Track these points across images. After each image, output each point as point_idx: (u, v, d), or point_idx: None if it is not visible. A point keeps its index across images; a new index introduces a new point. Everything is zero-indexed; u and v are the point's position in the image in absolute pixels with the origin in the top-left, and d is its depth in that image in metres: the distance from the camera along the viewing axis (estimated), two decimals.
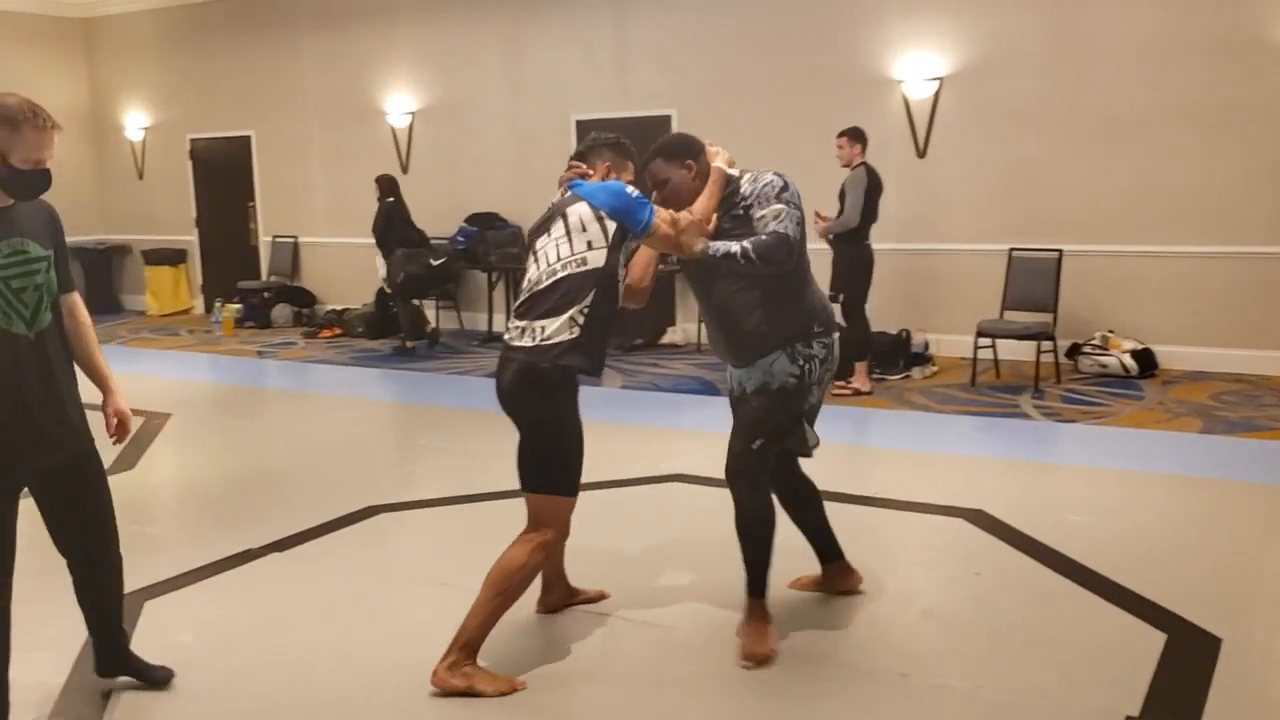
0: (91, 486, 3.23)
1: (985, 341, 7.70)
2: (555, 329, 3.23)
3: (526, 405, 3.30)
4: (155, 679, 3.41)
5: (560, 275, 3.27)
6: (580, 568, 4.28)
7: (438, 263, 9.76)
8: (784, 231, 3.49)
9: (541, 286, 3.30)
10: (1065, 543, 4.43)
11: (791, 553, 3.97)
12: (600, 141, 3.66)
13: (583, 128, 10.09)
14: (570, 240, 3.30)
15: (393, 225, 9.59)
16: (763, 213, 3.53)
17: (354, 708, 3.26)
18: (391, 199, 9.66)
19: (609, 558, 4.43)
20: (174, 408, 7.51)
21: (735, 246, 3.42)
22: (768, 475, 3.67)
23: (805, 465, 4.00)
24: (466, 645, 3.28)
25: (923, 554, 4.55)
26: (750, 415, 3.59)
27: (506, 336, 3.35)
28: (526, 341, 3.25)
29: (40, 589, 4.22)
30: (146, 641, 3.72)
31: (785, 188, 3.62)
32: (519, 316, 3.32)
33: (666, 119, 9.65)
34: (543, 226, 3.42)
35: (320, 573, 4.36)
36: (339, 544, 4.69)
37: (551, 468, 3.33)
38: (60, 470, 3.10)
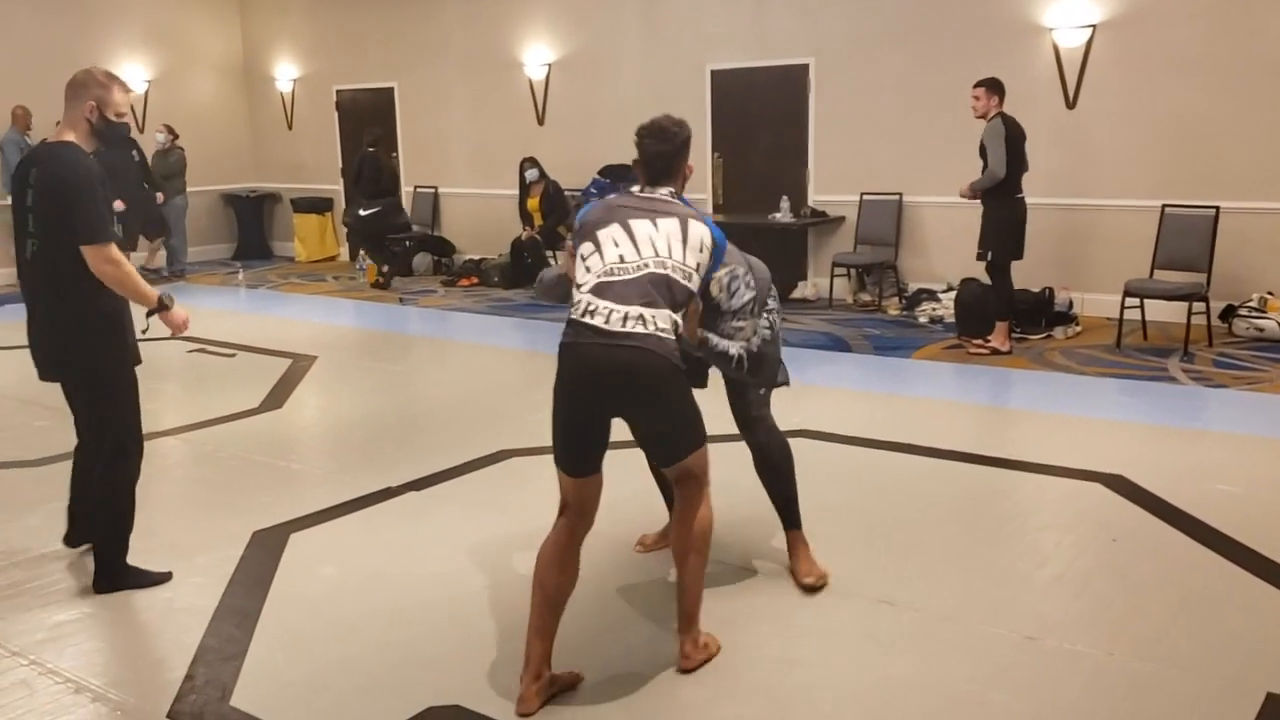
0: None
1: (1133, 301, 7.39)
2: (666, 324, 3.00)
3: (658, 392, 3.05)
4: (160, 579, 3.88)
5: (667, 274, 3.04)
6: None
7: (366, 213, 10.78)
8: (771, 354, 3.69)
9: (645, 273, 3.02)
10: (1209, 512, 4.26)
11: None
12: (683, 140, 3.36)
13: (718, 77, 10.01)
14: (685, 249, 3.08)
15: (361, 173, 10.72)
16: (740, 324, 3.48)
17: (489, 639, 3.38)
18: (372, 149, 10.72)
19: (731, 513, 4.45)
20: (320, 350, 7.83)
21: (733, 349, 3.43)
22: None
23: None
24: (695, 616, 3.22)
25: (1057, 518, 4.44)
26: None
27: (597, 320, 2.97)
28: (635, 328, 2.95)
29: (189, 522, 4.51)
30: (292, 571, 3.94)
31: (747, 284, 3.53)
32: (614, 299, 2.98)
33: (804, 68, 9.49)
34: (643, 211, 3.14)
35: (455, 512, 4.51)
36: (473, 485, 4.84)
37: (693, 429, 3.21)
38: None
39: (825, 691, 3.06)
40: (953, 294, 8.16)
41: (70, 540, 4.13)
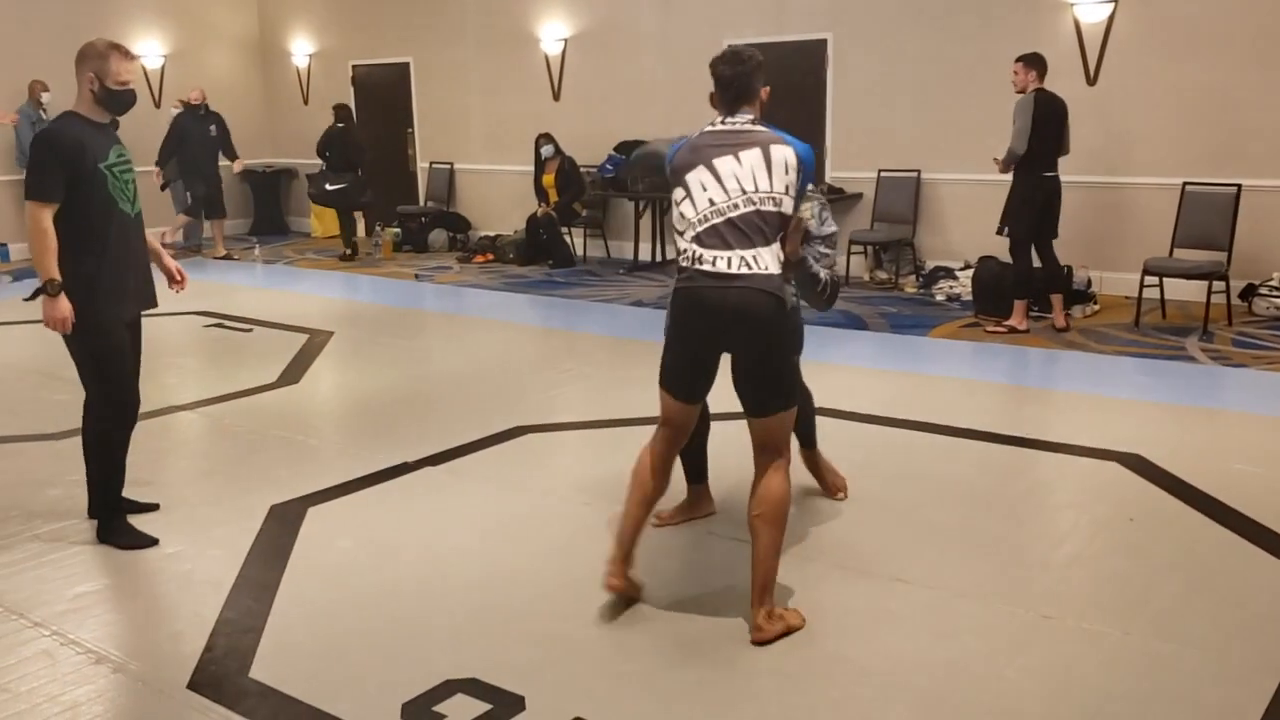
0: (138, 341, 4.08)
1: (1152, 280, 7.34)
2: (769, 261, 3.16)
3: (766, 331, 3.18)
4: (147, 508, 4.24)
5: (760, 208, 3.15)
6: (716, 493, 4.33)
7: (333, 188, 11.11)
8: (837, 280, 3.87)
9: (739, 213, 3.15)
10: (1228, 492, 4.24)
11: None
12: (757, 62, 3.40)
13: None
14: (771, 177, 3.17)
15: (331, 146, 11.07)
16: (827, 251, 3.83)
17: (506, 613, 3.39)
18: (341, 125, 11.09)
19: (735, 490, 4.45)
20: (336, 326, 7.85)
21: (822, 274, 3.74)
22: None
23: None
24: (769, 587, 3.25)
25: (1074, 497, 4.42)
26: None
27: (707, 265, 3.15)
28: (743, 270, 3.13)
29: (208, 496, 4.53)
30: (309, 545, 3.96)
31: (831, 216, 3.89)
32: (719, 246, 3.15)
33: (822, 43, 9.42)
34: (725, 147, 3.21)
35: (471, 487, 4.53)
36: (489, 461, 4.85)
37: (790, 385, 3.32)
38: (135, 322, 4.04)
39: (838, 669, 3.06)
40: (970, 272, 8.12)
41: (92, 511, 4.18)
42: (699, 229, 3.19)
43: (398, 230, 11.72)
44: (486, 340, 7.55)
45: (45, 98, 10.91)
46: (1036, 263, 7.24)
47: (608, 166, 10.30)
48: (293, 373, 6.46)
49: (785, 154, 3.20)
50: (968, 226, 8.72)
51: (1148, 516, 4.11)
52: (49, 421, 5.39)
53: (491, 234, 11.35)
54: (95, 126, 3.87)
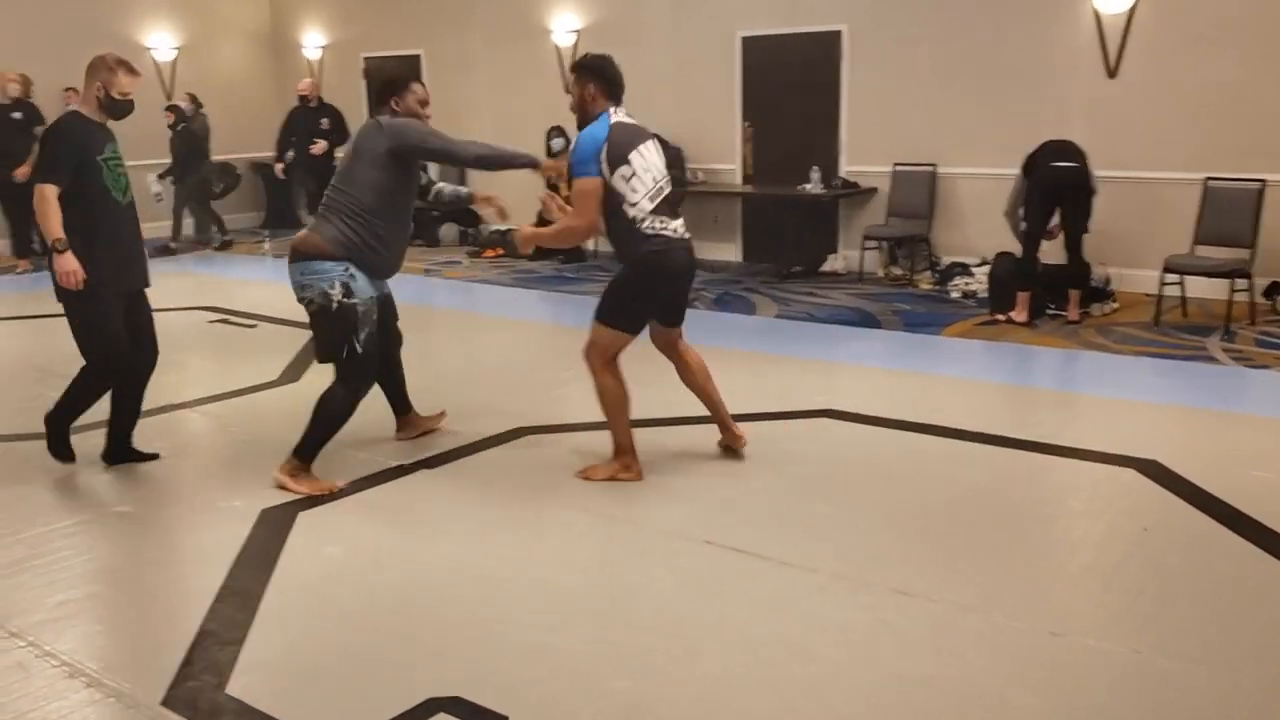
0: (145, 306, 4.72)
1: (1173, 278, 7.17)
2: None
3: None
4: (150, 457, 4.83)
5: (666, 187, 4.27)
6: (715, 499, 4.23)
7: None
8: None
9: (665, 191, 4.24)
10: (1247, 501, 4.09)
11: None
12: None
13: (748, 44, 9.80)
14: (662, 160, 4.30)
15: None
16: None
17: (493, 627, 3.29)
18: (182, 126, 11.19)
19: (749, 493, 4.34)
20: None
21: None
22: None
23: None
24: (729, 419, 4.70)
25: (1087, 505, 4.28)
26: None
27: (674, 230, 4.24)
28: (685, 233, 4.32)
29: (198, 498, 4.44)
30: (298, 552, 3.87)
31: None
32: (671, 215, 4.25)
33: (836, 35, 9.27)
34: (638, 137, 4.19)
35: (465, 492, 4.43)
36: (486, 464, 4.75)
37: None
38: (136, 293, 4.63)
39: (834, 685, 2.95)
40: (987, 268, 7.97)
41: (105, 456, 4.77)
42: (653, 202, 4.15)
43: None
44: (492, 338, 7.46)
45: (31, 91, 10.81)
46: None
47: None
48: (294, 370, 6.37)
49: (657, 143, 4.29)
50: (984, 222, 8.55)
51: (1163, 526, 3.97)
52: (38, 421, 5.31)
53: (503, 228, 11.22)
54: (95, 125, 4.48)
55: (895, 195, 9.09)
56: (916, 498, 4.27)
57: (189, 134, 11.22)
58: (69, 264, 4.31)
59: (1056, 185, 7.08)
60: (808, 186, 9.13)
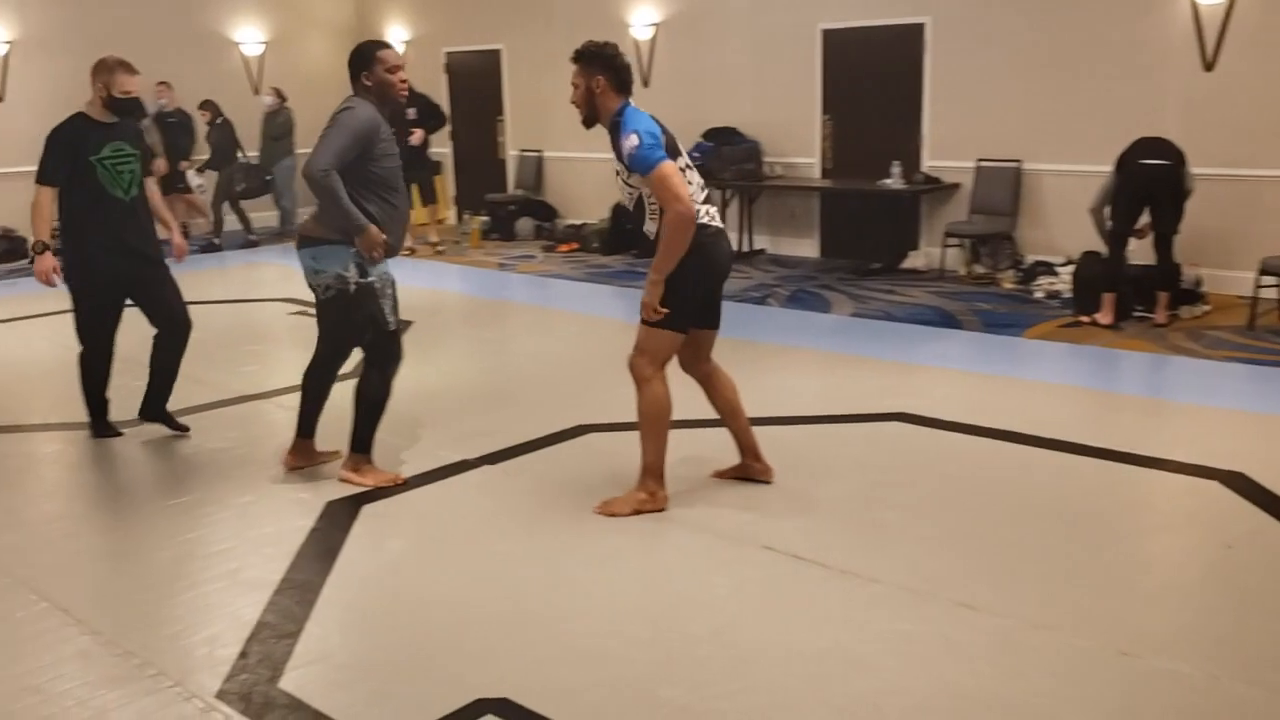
0: (165, 284, 4.99)
1: (1269, 280, 6.86)
2: None
3: None
4: (178, 428, 5.17)
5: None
6: (775, 503, 4.15)
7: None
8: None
9: (699, 180, 4.03)
10: None
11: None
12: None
13: (829, 37, 9.65)
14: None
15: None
16: None
17: (545, 628, 3.27)
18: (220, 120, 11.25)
19: (812, 498, 4.25)
20: (417, 315, 7.80)
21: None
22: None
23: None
24: (754, 448, 4.37)
25: (1167, 519, 4.11)
26: None
27: (719, 223, 4.06)
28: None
29: (265, 489, 4.50)
30: (360, 544, 3.90)
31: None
32: (711, 204, 4.06)
33: (919, 28, 9.06)
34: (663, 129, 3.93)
35: (526, 489, 4.41)
36: (547, 461, 4.74)
37: None
38: (147, 276, 4.93)
39: (891, 700, 2.86)
40: (1072, 268, 7.72)
41: (140, 412, 5.18)
42: (701, 190, 3.97)
43: (486, 219, 11.72)
44: (562, 333, 7.46)
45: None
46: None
47: (695, 154, 10.07)
48: None
49: None
50: (1071, 220, 8.29)
51: (1247, 543, 3.78)
52: (120, 409, 5.44)
53: (577, 222, 11.26)
54: (95, 125, 4.75)
55: (978, 191, 8.86)
56: (988, 507, 4.14)
57: (223, 130, 11.41)
58: (45, 264, 4.70)
59: (1145, 184, 6.83)
60: (888, 181, 8.96)
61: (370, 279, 4.24)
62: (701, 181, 4.03)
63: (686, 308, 3.95)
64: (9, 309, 8.17)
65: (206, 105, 11.38)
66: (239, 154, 11.41)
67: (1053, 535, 3.89)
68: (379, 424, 4.45)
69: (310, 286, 4.34)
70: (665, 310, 3.87)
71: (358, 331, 4.34)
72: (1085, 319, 7.07)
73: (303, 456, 4.64)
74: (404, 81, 4.30)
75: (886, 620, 3.29)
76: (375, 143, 4.16)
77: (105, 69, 4.75)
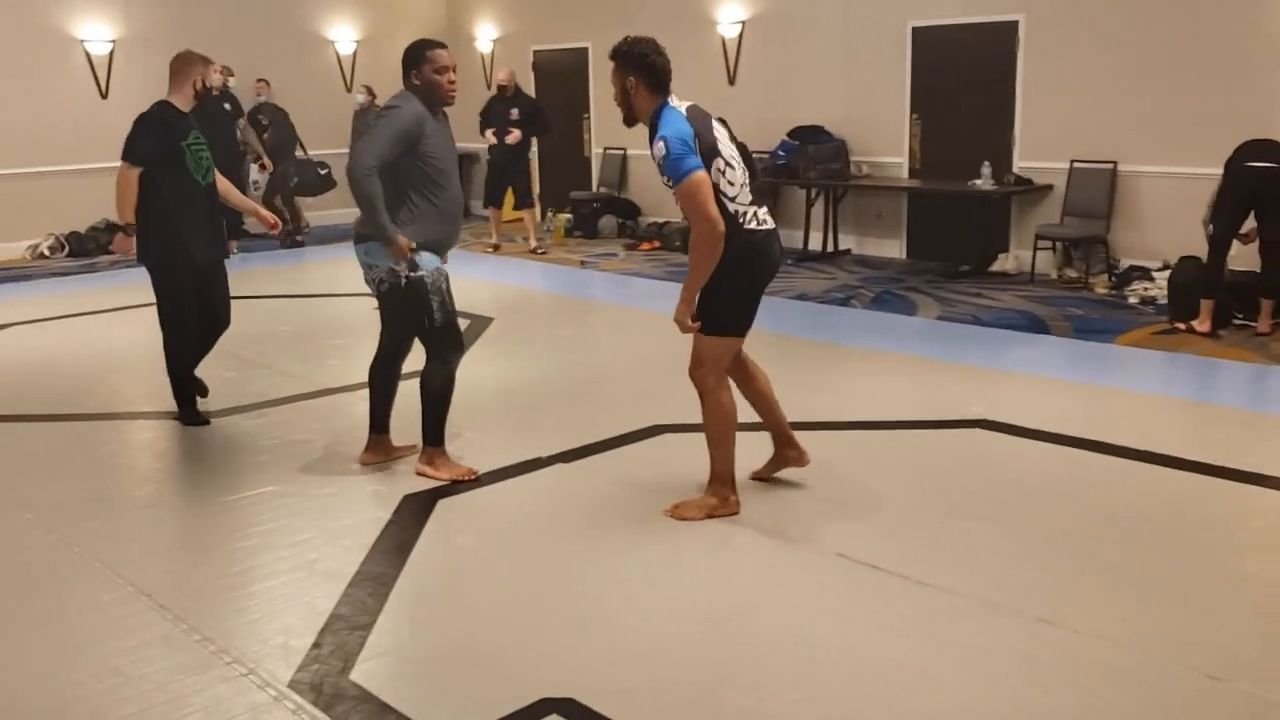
0: (222, 281, 5.35)
1: None
2: None
3: None
4: (199, 388, 5.48)
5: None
6: (851, 510, 4.08)
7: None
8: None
9: (747, 178, 3.89)
10: None
11: None
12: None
13: (919, 35, 9.48)
14: (733, 144, 3.95)
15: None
16: None
17: (612, 629, 3.26)
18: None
19: (889, 505, 4.17)
20: (497, 312, 7.89)
21: None
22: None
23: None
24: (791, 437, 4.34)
25: (1266, 536, 3.93)
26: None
27: (769, 221, 3.93)
28: (773, 224, 3.98)
29: (344, 481, 4.56)
30: (433, 539, 3.93)
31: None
32: (759, 204, 3.92)
33: (1013, 25, 8.85)
34: (708, 123, 3.86)
35: (598, 489, 4.41)
36: (621, 460, 4.73)
37: None
38: (214, 265, 5.25)
39: (962, 718, 2.78)
40: (1168, 273, 7.46)
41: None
42: (744, 189, 3.83)
43: (569, 216, 11.77)
44: (641, 332, 7.44)
45: (232, 82, 11.35)
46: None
47: (780, 153, 10.01)
48: None
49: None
50: (1168, 223, 8.03)
51: None
52: (212, 399, 5.58)
53: (660, 221, 11.24)
54: (180, 114, 5.03)
55: (1072, 193, 8.62)
56: (1073, 520, 4.02)
57: (281, 129, 11.59)
58: (127, 244, 5.07)
59: (1251, 187, 6.57)
60: (978, 182, 8.76)
61: (421, 273, 4.27)
62: (746, 180, 3.87)
63: (742, 312, 3.95)
64: (112, 299, 8.44)
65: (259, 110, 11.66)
66: (297, 149, 11.63)
67: (1140, 551, 3.75)
68: (447, 415, 4.49)
69: (366, 282, 4.41)
70: (698, 322, 3.88)
71: (413, 324, 4.39)
72: (1181, 326, 6.83)
73: (377, 452, 4.70)
74: (453, 83, 4.30)
75: (962, 634, 3.20)
76: (420, 140, 4.18)
77: (199, 62, 5.02)
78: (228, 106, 10.75)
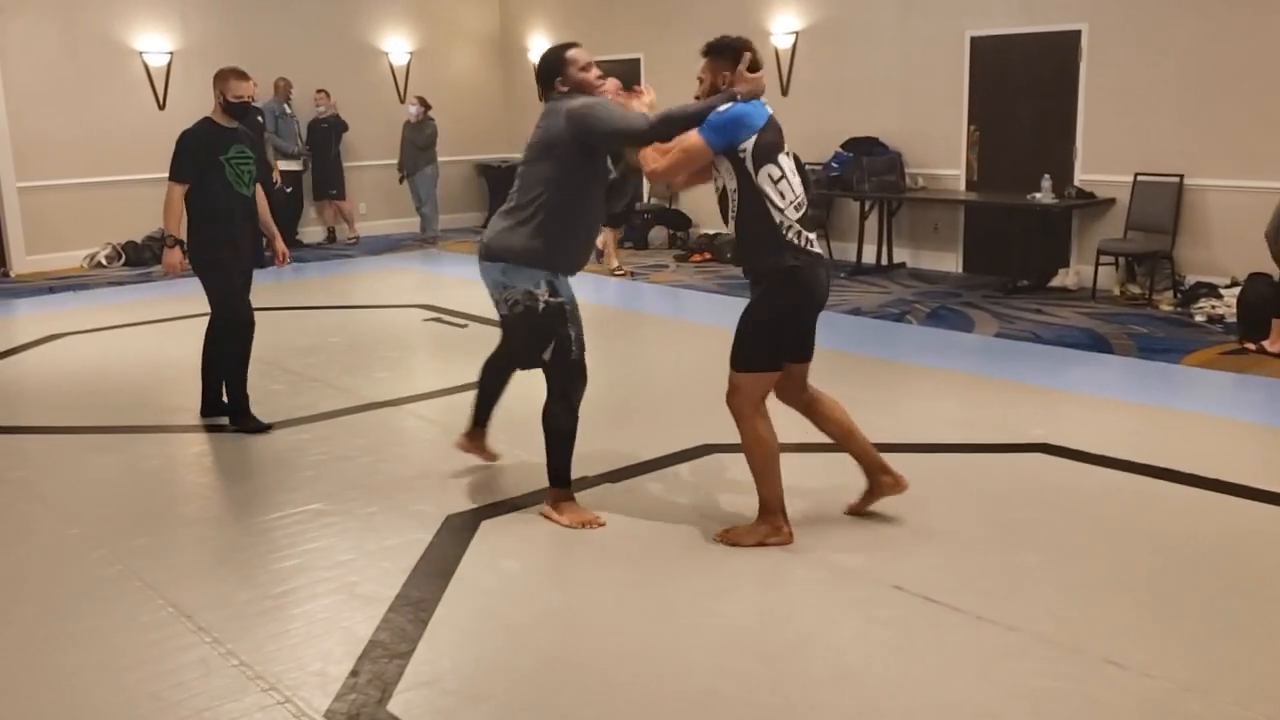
0: (249, 287, 5.48)
1: None
2: None
3: None
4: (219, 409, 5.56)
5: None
6: (907, 539, 3.94)
7: None
8: None
9: (805, 205, 3.77)
10: None
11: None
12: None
13: (977, 44, 9.30)
14: (800, 181, 3.79)
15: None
16: None
17: (660, 664, 3.16)
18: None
19: (946, 535, 4.03)
20: None
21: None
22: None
23: None
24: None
25: None
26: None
27: (817, 246, 3.81)
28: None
29: (387, 499, 4.50)
30: (476, 563, 3.85)
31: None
32: (810, 229, 3.79)
33: (1075, 35, 8.64)
34: (780, 142, 3.75)
35: (645, 511, 4.31)
36: (668, 482, 4.63)
37: None
38: (246, 271, 5.43)
39: None
40: (1237, 290, 7.22)
41: (202, 411, 5.56)
42: (795, 209, 3.72)
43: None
44: (690, 346, 7.34)
45: (292, 95, 11.46)
46: None
47: (834, 165, 9.86)
48: None
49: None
50: (1237, 239, 7.78)
51: None
52: (261, 411, 5.56)
53: (711, 232, 11.14)
54: (220, 129, 5.23)
55: (1135, 207, 8.38)
56: (1141, 553, 3.85)
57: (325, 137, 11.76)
58: (174, 257, 5.26)
59: None
60: (1038, 195, 8.55)
61: (561, 299, 4.01)
62: (798, 200, 3.73)
63: (782, 345, 3.82)
64: (165, 309, 8.51)
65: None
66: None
67: (1213, 588, 3.58)
68: (570, 456, 4.20)
69: (494, 300, 4.13)
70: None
71: (540, 350, 4.07)
72: (1251, 346, 6.59)
73: (472, 444, 4.71)
74: (601, 78, 4.05)
75: (1024, 674, 3.06)
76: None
77: (221, 77, 5.25)
78: (261, 119, 10.90)
